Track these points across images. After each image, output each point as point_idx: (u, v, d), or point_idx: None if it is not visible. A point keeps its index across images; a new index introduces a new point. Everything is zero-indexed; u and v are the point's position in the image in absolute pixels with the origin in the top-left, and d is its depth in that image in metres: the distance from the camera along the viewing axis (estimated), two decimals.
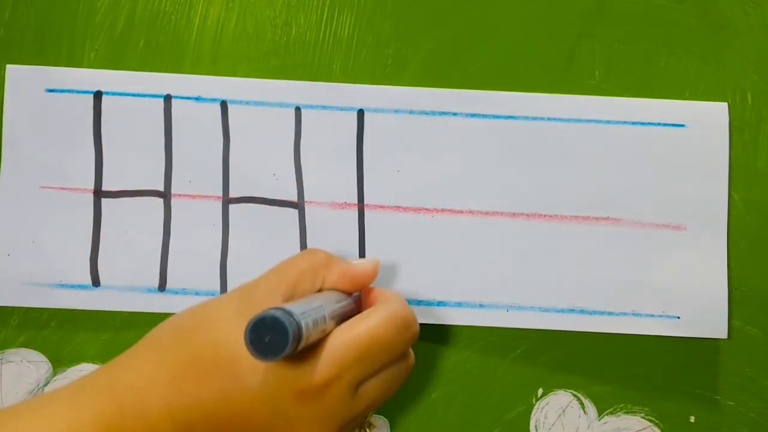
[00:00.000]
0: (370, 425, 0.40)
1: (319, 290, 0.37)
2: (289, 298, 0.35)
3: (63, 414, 0.34)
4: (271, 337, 0.30)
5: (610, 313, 0.47)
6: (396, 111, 0.48)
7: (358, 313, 0.37)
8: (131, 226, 0.47)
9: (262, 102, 0.48)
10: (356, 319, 0.35)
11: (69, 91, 0.47)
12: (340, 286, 0.38)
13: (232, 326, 0.34)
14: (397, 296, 0.38)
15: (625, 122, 0.47)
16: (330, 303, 0.35)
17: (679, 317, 0.47)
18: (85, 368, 0.47)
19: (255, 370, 0.34)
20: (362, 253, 0.47)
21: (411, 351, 0.39)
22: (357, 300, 0.39)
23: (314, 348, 0.34)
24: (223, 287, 0.47)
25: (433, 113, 0.48)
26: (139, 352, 0.36)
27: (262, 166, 0.47)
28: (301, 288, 0.36)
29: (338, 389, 0.34)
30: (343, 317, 0.36)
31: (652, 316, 0.47)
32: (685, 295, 0.47)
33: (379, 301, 0.37)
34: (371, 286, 0.40)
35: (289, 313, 0.31)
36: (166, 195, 0.47)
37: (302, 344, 0.32)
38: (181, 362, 0.34)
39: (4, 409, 0.35)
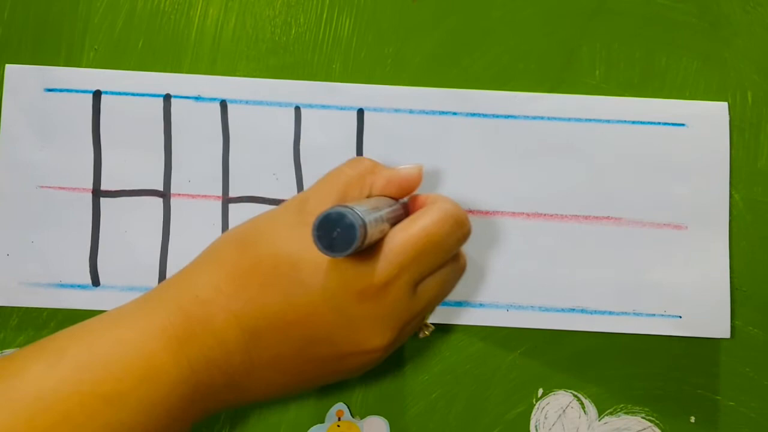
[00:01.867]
0: (428, 327, 0.40)
1: (368, 197, 0.37)
2: None
3: (131, 329, 0.34)
4: (339, 232, 0.31)
5: (610, 313, 0.47)
6: (396, 111, 0.48)
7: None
8: (130, 226, 0.47)
9: (262, 101, 0.47)
10: (410, 220, 0.35)
11: (68, 90, 0.47)
12: (387, 191, 0.38)
13: (289, 236, 0.35)
14: (447, 197, 0.37)
15: (625, 122, 0.47)
16: (382, 207, 0.36)
17: (680, 317, 0.47)
18: None
19: (316, 272, 0.34)
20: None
21: (462, 251, 0.39)
22: (405, 206, 0.39)
23: (372, 249, 0.34)
24: None
25: (433, 113, 0.48)
26: (199, 265, 0.37)
27: (261, 166, 0.47)
28: (350, 195, 0.37)
29: (398, 288, 0.34)
30: (394, 221, 0.36)
31: (653, 315, 0.47)
32: (686, 294, 0.47)
33: (429, 202, 0.37)
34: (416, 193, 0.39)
35: (353, 210, 0.31)
36: (165, 195, 0.47)
37: (366, 241, 0.32)
38: (243, 271, 0.35)
39: (72, 327, 0.35)
